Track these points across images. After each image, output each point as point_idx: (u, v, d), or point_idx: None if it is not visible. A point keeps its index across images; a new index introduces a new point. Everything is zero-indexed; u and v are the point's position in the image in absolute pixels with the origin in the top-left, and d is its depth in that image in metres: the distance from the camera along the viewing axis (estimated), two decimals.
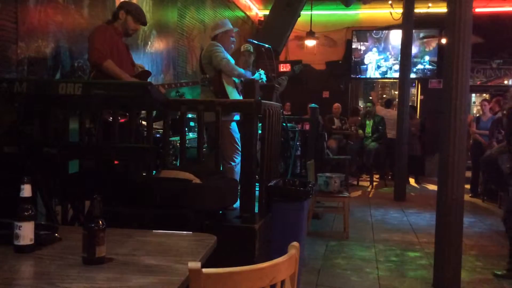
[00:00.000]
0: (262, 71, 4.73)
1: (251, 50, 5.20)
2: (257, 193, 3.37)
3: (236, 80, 4.28)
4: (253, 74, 4.80)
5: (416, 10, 8.30)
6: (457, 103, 3.61)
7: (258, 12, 11.38)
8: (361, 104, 12.20)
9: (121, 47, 3.73)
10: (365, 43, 11.12)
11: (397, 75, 9.32)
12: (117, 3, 5.19)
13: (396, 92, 10.14)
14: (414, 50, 9.77)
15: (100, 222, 1.51)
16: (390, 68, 10.96)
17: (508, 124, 4.29)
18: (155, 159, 3.64)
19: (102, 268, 1.49)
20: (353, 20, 11.11)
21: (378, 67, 11.07)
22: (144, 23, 3.94)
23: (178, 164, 4.36)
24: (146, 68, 4.41)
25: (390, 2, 9.90)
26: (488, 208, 7.10)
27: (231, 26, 4.33)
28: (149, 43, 6.10)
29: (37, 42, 3.92)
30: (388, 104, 9.85)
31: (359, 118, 9.93)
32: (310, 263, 4.29)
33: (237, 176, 3.86)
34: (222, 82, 4.12)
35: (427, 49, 10.78)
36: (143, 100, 3.13)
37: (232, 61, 4.25)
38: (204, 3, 8.12)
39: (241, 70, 4.24)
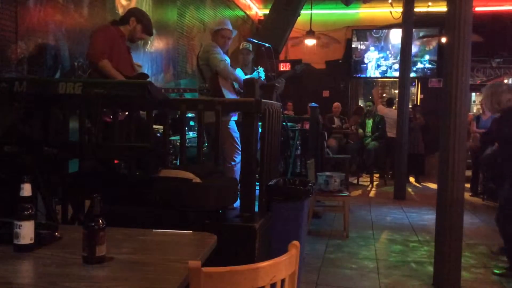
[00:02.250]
0: (261, 69, 4.73)
1: (250, 48, 5.19)
2: (257, 192, 3.37)
3: (235, 84, 4.31)
4: (252, 72, 4.80)
5: (416, 9, 8.29)
6: (457, 102, 3.61)
7: (258, 11, 11.38)
8: (361, 103, 12.20)
9: (123, 49, 3.74)
10: (365, 42, 11.11)
11: (397, 74, 9.31)
12: (117, 3, 5.20)
13: (396, 91, 10.13)
14: (414, 49, 9.76)
15: (100, 221, 1.51)
16: (390, 67, 10.96)
17: (499, 126, 4.31)
18: (155, 158, 3.64)
19: (102, 267, 1.49)
20: (353, 19, 11.11)
21: (378, 66, 11.07)
22: (151, 34, 3.99)
23: (178, 164, 4.36)
24: (145, 67, 4.42)
25: (390, 1, 9.90)
26: (488, 207, 7.10)
27: (230, 28, 4.35)
28: (149, 42, 6.10)
29: (36, 42, 3.92)
30: (389, 103, 9.87)
31: (359, 119, 9.92)
32: (310, 262, 4.29)
33: (237, 175, 3.87)
34: (218, 83, 4.14)
35: (427, 48, 10.78)
36: (144, 99, 3.13)
37: (228, 61, 4.27)
38: (204, 2, 8.12)
39: (237, 75, 4.24)
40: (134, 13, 3.81)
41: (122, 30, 3.74)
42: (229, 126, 4.06)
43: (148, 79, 3.90)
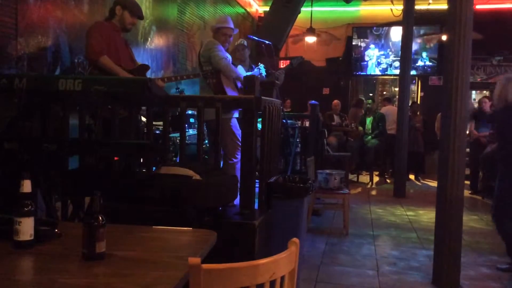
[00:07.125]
0: (261, 65, 4.72)
1: (245, 43, 5.18)
2: (257, 189, 3.37)
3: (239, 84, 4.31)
4: (250, 68, 4.79)
5: (417, 7, 8.29)
6: (458, 100, 3.61)
7: (258, 8, 11.36)
8: None
9: (119, 43, 3.74)
10: (366, 40, 11.09)
11: (397, 72, 9.31)
12: None
13: (397, 89, 10.13)
14: (415, 46, 9.75)
15: (100, 218, 1.51)
16: (391, 65, 10.94)
17: (501, 122, 4.29)
18: (155, 155, 3.64)
19: (102, 263, 1.49)
20: (354, 16, 11.09)
21: (379, 63, 11.05)
22: (141, 17, 3.96)
23: (178, 161, 4.36)
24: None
25: None
26: (487, 205, 7.09)
27: (232, 26, 4.34)
28: (149, 39, 6.09)
29: (36, 38, 3.92)
30: (388, 100, 9.90)
31: (359, 113, 9.91)
32: (310, 260, 4.30)
33: (239, 173, 3.87)
34: (221, 81, 4.13)
35: (427, 46, 10.76)
36: (143, 96, 3.12)
37: (230, 58, 4.26)
38: None
39: (239, 73, 4.23)
40: (118, 2, 3.81)
41: (114, 23, 3.75)
42: (231, 123, 4.06)
43: (148, 70, 3.92)
